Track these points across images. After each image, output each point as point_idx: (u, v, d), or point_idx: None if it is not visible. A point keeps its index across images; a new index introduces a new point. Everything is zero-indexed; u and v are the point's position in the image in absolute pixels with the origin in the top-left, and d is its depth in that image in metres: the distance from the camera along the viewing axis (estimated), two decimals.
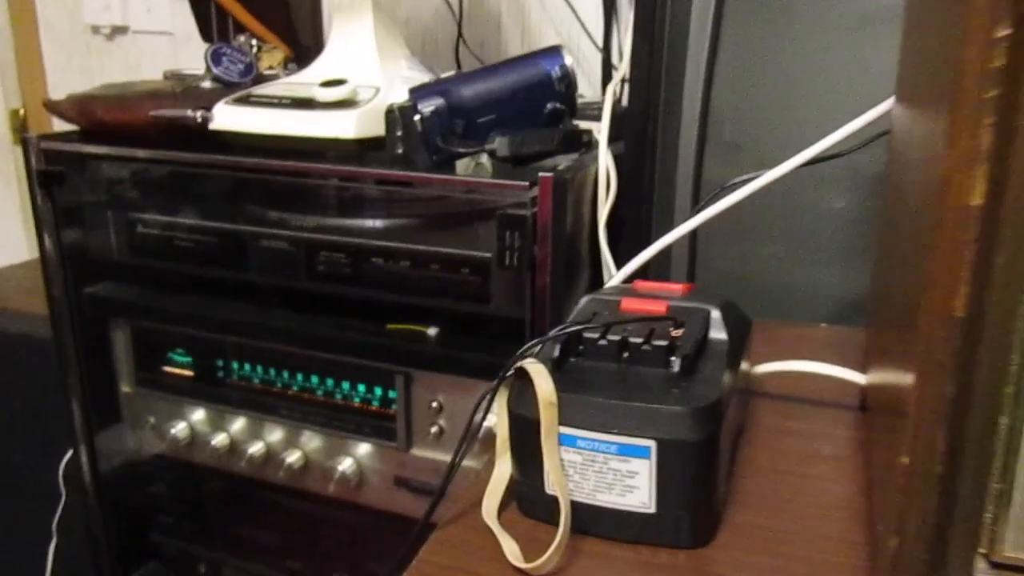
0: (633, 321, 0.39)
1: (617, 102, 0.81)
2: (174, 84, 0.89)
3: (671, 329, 0.39)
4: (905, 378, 0.26)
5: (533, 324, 0.71)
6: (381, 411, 0.82)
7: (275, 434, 0.88)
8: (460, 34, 1.13)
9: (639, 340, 0.38)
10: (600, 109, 0.86)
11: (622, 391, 0.36)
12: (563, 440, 0.36)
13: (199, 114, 0.79)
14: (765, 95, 0.72)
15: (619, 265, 0.73)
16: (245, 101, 0.80)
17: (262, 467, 0.88)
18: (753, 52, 0.72)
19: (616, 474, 0.36)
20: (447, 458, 0.80)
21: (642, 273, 0.60)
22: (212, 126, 0.79)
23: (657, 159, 0.72)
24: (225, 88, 0.88)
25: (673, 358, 0.38)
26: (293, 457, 0.86)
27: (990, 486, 0.25)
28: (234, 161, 0.77)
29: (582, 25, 1.07)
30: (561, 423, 0.36)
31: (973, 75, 0.20)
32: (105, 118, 0.84)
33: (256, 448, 0.87)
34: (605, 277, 0.73)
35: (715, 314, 0.42)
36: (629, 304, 0.42)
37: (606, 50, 1.06)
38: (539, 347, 0.39)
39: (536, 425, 0.36)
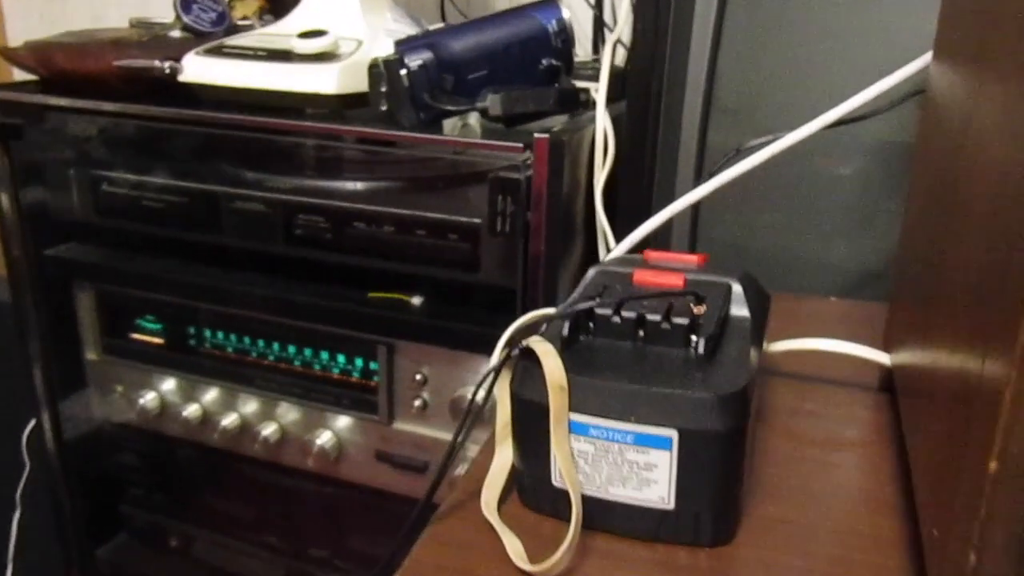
0: (649, 296, 0.35)
1: (612, 61, 0.76)
2: (141, 32, 0.83)
3: (692, 305, 0.35)
4: (980, 367, 0.23)
5: (525, 294, 0.68)
6: (362, 383, 0.78)
7: (250, 406, 0.84)
8: None
9: (657, 317, 0.35)
10: (592, 69, 0.82)
11: (640, 374, 0.33)
12: (574, 428, 0.33)
13: (167, 65, 0.73)
14: (772, 60, 0.68)
15: (616, 232, 0.69)
16: (217, 52, 0.74)
17: (236, 439, 0.84)
18: (761, 15, 0.68)
19: (632, 466, 0.32)
20: (431, 432, 0.77)
21: (643, 244, 0.56)
22: (181, 78, 0.74)
23: (661, 119, 0.68)
24: (196, 38, 0.82)
25: (695, 338, 0.34)
26: (269, 430, 0.82)
27: None
28: (205, 116, 0.72)
29: None
30: (572, 409, 0.33)
31: None
32: (66, 67, 0.78)
33: (230, 420, 0.83)
34: (600, 246, 0.69)
35: (736, 288, 0.38)
36: (643, 277, 0.38)
37: (598, 6, 1.01)
38: (545, 325, 0.35)
39: (544, 411, 0.33)
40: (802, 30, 0.67)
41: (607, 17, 1.02)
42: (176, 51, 0.76)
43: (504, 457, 0.36)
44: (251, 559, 0.89)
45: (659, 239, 0.67)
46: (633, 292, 0.37)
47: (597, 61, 0.86)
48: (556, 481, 0.34)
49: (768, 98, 0.69)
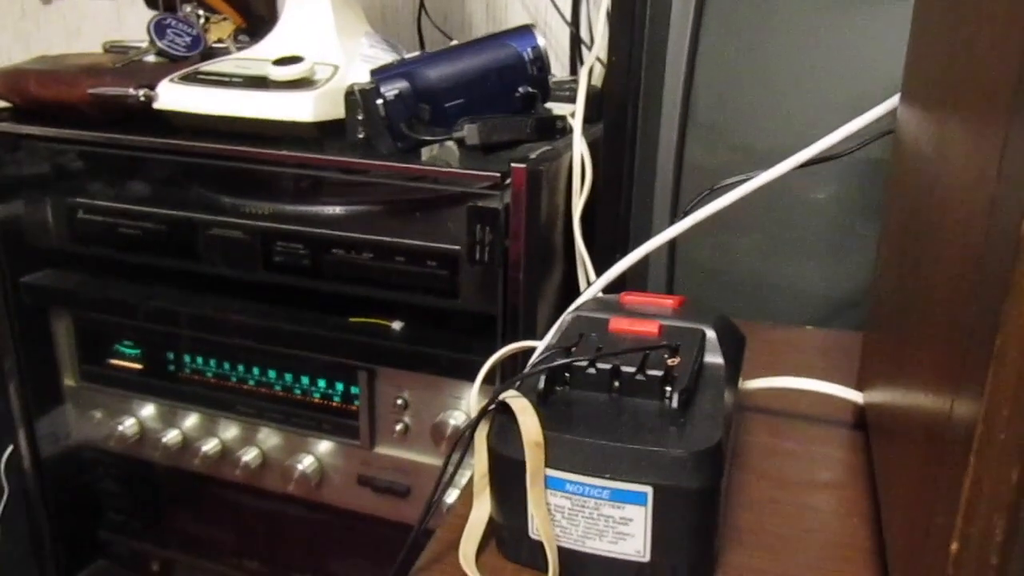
0: (625, 351, 0.35)
1: (589, 82, 0.76)
2: (114, 58, 0.83)
3: (666, 356, 0.36)
4: (948, 412, 0.23)
5: (505, 321, 0.68)
6: (343, 407, 0.78)
7: (231, 431, 0.83)
8: (422, 5, 1.07)
9: (632, 370, 0.35)
10: (570, 89, 0.82)
11: (615, 429, 0.33)
12: (550, 483, 0.33)
13: (142, 92, 0.73)
14: (749, 77, 0.69)
15: (595, 259, 0.70)
16: (192, 79, 0.74)
17: (217, 465, 0.84)
18: (737, 33, 0.68)
19: (608, 520, 0.33)
20: (412, 456, 0.77)
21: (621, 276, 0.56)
22: (156, 105, 0.74)
23: (637, 145, 0.68)
24: (171, 63, 0.82)
25: (669, 389, 0.34)
26: (250, 455, 0.82)
27: None
28: (180, 145, 0.72)
29: None
30: (548, 465, 0.33)
31: None
32: (39, 95, 0.78)
33: (210, 446, 0.83)
34: (579, 273, 0.69)
35: (710, 335, 0.39)
36: (618, 324, 0.39)
37: (575, 24, 1.01)
38: (519, 383, 0.35)
39: (520, 467, 0.33)
40: (780, 41, 0.68)
41: (584, 34, 1.02)
42: (151, 77, 0.75)
43: (482, 509, 0.36)
44: None
45: (637, 265, 0.67)
46: (609, 342, 0.37)
47: (575, 80, 0.86)
48: (533, 534, 0.34)
49: (752, 116, 0.70)
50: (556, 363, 0.35)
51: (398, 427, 0.76)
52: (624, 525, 0.32)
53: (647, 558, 0.33)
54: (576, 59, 1.03)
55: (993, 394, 0.20)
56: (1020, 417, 0.19)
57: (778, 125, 0.68)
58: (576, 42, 1.03)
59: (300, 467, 0.79)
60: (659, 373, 0.35)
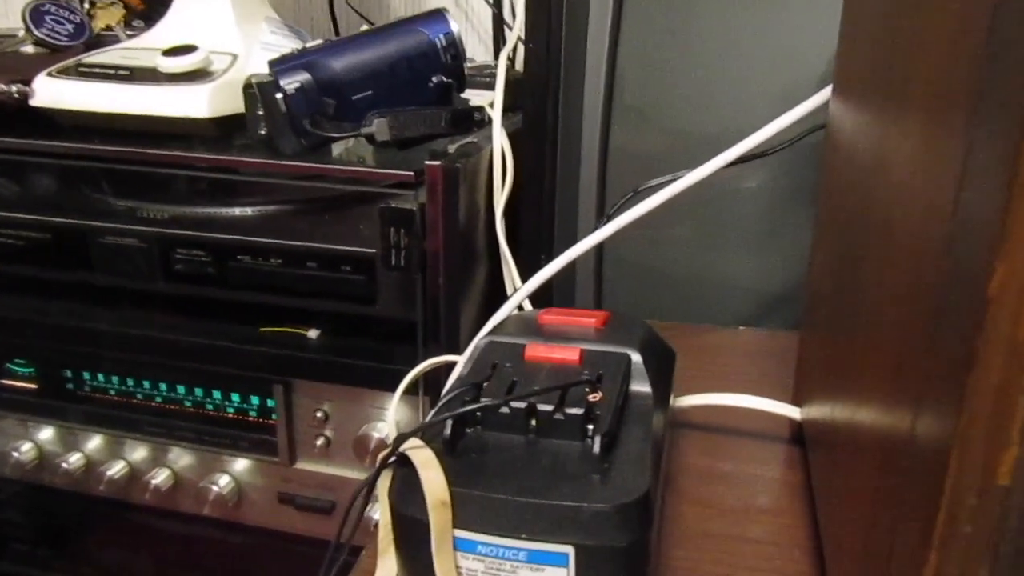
0: (542, 389, 0.32)
1: (511, 67, 0.72)
2: None
3: (587, 391, 0.32)
4: (911, 429, 0.20)
5: (426, 328, 0.64)
6: (259, 422, 0.73)
7: (138, 452, 0.77)
8: None
9: (549, 408, 0.31)
10: (491, 75, 0.78)
11: (531, 481, 0.29)
12: (460, 545, 0.29)
13: (15, 88, 0.66)
14: (675, 60, 0.65)
15: (521, 259, 0.66)
16: (72, 72, 0.67)
17: (125, 489, 0.78)
18: (663, 12, 0.65)
19: None
20: (335, 471, 0.72)
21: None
22: (33, 102, 0.67)
23: (559, 132, 0.64)
24: (51, 54, 0.75)
25: (591, 429, 0.31)
26: (160, 477, 0.76)
27: None
28: (59, 147, 0.65)
29: None
30: (457, 526, 0.29)
31: None
32: None
33: (116, 469, 0.77)
34: (504, 275, 0.65)
35: (636, 359, 0.35)
36: (535, 352, 0.35)
37: (497, 5, 0.96)
38: (421, 432, 0.31)
39: (425, 528, 0.29)
40: (707, 21, 0.64)
41: (508, 16, 0.97)
42: (28, 71, 0.68)
43: (387, 568, 0.32)
44: None
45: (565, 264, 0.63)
46: (525, 372, 0.33)
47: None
48: None
49: (676, 96, 0.66)
50: (464, 408, 0.31)
51: (319, 441, 0.72)
52: None
53: None
54: (500, 41, 0.99)
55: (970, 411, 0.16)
56: (1000, 434, 0.16)
57: (708, 108, 0.65)
58: (499, 23, 0.98)
59: (216, 488, 0.74)
60: (579, 411, 0.31)
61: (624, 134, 0.67)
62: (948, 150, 0.19)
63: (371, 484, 0.30)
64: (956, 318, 0.16)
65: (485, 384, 0.33)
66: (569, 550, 0.28)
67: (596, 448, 0.30)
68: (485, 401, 0.31)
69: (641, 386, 0.34)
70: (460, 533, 0.29)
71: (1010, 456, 0.15)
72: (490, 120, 0.64)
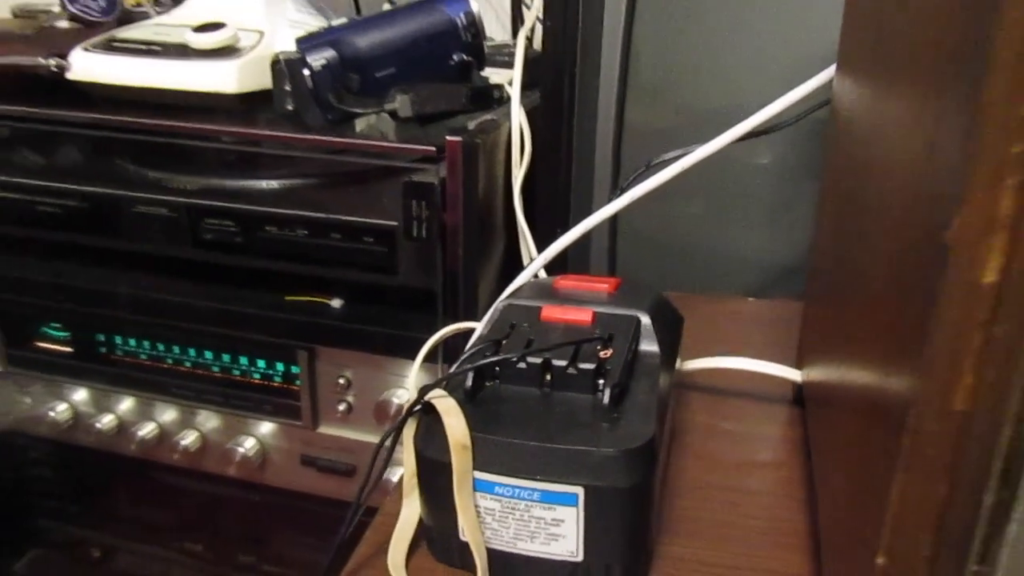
0: (556, 345, 0.34)
1: (529, 46, 0.74)
2: (23, 23, 0.78)
3: (599, 348, 0.34)
4: (882, 386, 0.22)
5: (445, 297, 0.66)
6: (284, 388, 0.76)
7: (168, 414, 0.80)
8: None
9: (563, 363, 0.34)
10: (510, 54, 0.79)
11: (545, 428, 0.32)
12: (479, 486, 0.32)
13: (53, 62, 0.69)
14: (690, 38, 0.67)
15: (537, 231, 0.68)
16: (107, 47, 0.70)
17: (155, 449, 0.81)
18: None
19: (539, 522, 0.31)
20: (356, 436, 0.75)
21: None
22: (69, 75, 0.69)
23: (576, 109, 0.66)
24: (85, 28, 0.77)
25: (602, 382, 0.33)
26: (189, 439, 0.79)
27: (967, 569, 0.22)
28: (95, 119, 0.67)
29: None
30: (476, 468, 0.31)
31: (996, 124, 0.16)
32: None
33: (147, 430, 0.80)
34: (521, 246, 0.68)
35: (645, 321, 0.37)
36: (550, 313, 0.37)
37: None
38: (446, 381, 0.34)
39: (448, 469, 0.31)
40: (721, 5, 0.66)
41: None
42: (64, 45, 0.71)
43: (412, 509, 0.35)
44: (177, 568, 0.87)
45: (580, 237, 0.65)
46: (539, 334, 0.36)
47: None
48: (462, 537, 0.33)
49: (691, 74, 0.68)
50: (484, 360, 0.33)
51: (341, 407, 0.75)
52: (556, 526, 0.31)
53: (580, 558, 0.32)
54: (518, 21, 1.00)
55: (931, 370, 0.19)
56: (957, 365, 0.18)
57: (722, 84, 0.67)
58: (518, 3, 1.00)
59: (241, 449, 0.77)
60: (591, 366, 0.33)
61: (639, 110, 0.68)
62: (926, 118, 0.21)
63: (399, 428, 0.33)
64: (923, 263, 0.19)
65: (504, 341, 0.36)
66: (579, 490, 0.31)
67: (606, 399, 0.32)
68: (503, 356, 0.34)
69: (650, 346, 0.37)
70: (479, 475, 0.32)
71: (966, 384, 0.18)
72: (509, 98, 0.66)
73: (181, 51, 0.68)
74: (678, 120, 0.70)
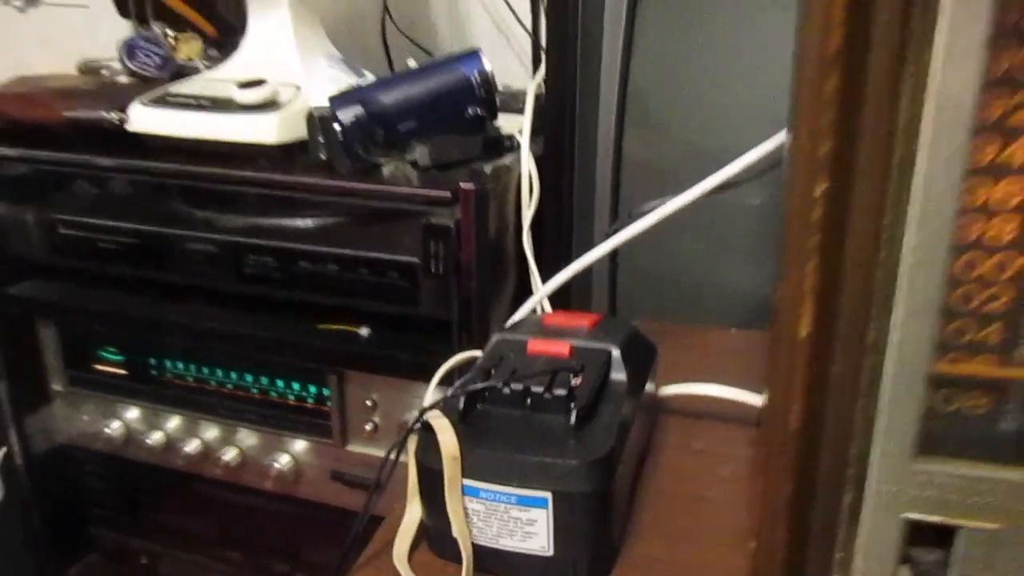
0: (536, 373, 0.41)
1: (540, 95, 0.81)
2: (88, 79, 0.87)
3: (572, 376, 0.41)
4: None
5: (460, 327, 0.73)
6: (316, 408, 0.83)
7: (211, 432, 0.88)
8: (387, 11, 1.11)
9: (540, 389, 0.40)
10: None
11: (522, 443, 0.38)
12: (466, 491, 0.38)
13: (115, 115, 0.77)
14: (689, 75, 0.72)
15: (543, 266, 0.74)
16: (162, 101, 0.78)
17: (199, 464, 0.89)
18: (673, 28, 0.71)
19: (517, 522, 0.38)
20: (381, 453, 0.81)
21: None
22: (129, 128, 0.78)
23: (576, 148, 0.72)
24: (142, 83, 0.86)
25: (572, 405, 0.40)
26: (230, 455, 0.87)
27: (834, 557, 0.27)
28: (153, 167, 0.76)
29: (509, 6, 1.07)
30: (464, 476, 0.38)
31: (798, 224, 0.22)
32: (16, 117, 0.82)
33: (192, 446, 0.88)
34: (532, 281, 0.74)
35: (615, 354, 0.44)
36: (535, 346, 0.44)
37: (535, 32, 1.05)
38: (443, 404, 0.40)
39: (441, 476, 0.38)
40: (717, 39, 0.71)
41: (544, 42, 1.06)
42: (124, 99, 0.79)
43: (414, 511, 0.41)
44: (218, 574, 0.94)
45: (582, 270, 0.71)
46: (525, 362, 0.42)
47: None
48: (454, 534, 0.39)
49: (690, 110, 0.73)
50: (474, 387, 0.40)
51: (367, 426, 0.81)
52: (530, 526, 0.38)
53: (551, 553, 0.38)
54: (538, 64, 1.07)
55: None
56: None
57: (717, 117, 0.72)
58: (537, 49, 1.07)
59: (277, 465, 0.85)
60: (564, 392, 0.40)
61: (640, 148, 0.74)
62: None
63: (402, 442, 0.39)
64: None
65: (493, 370, 0.42)
66: (548, 495, 0.37)
67: (573, 419, 0.39)
68: (490, 383, 0.40)
69: (618, 375, 0.43)
70: (467, 481, 0.38)
71: (797, 409, 0.24)
72: (519, 145, 0.73)
73: (227, 105, 0.76)
74: (681, 156, 0.75)
